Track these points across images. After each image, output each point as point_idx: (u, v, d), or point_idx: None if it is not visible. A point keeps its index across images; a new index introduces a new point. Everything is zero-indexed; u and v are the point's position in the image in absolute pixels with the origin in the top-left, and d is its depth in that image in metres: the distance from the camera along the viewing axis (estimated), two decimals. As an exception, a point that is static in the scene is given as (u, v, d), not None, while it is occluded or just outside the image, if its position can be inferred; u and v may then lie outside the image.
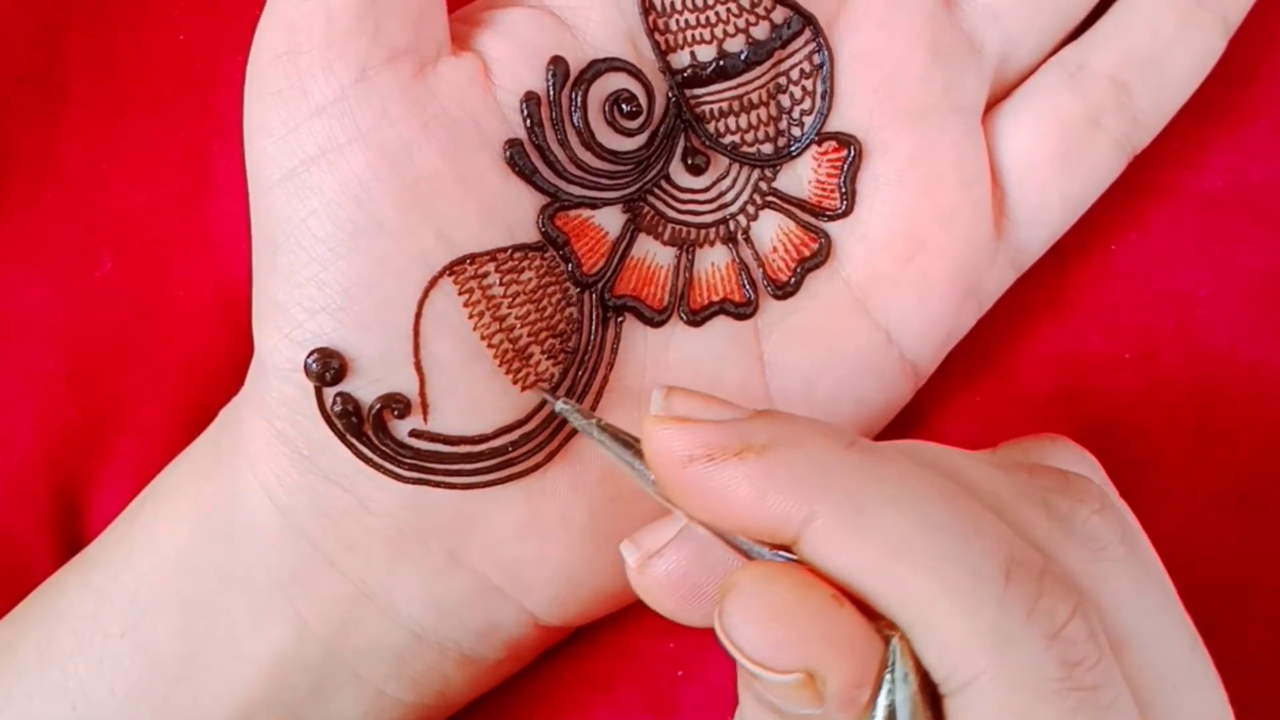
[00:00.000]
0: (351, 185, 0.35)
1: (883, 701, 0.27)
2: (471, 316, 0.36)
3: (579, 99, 0.37)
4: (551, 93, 0.37)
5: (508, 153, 0.36)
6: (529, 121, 0.37)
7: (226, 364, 0.43)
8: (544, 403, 0.37)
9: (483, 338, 0.36)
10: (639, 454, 0.32)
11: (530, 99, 0.36)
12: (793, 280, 0.39)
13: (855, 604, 0.28)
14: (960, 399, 0.44)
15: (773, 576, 0.28)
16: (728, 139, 0.39)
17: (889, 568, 0.27)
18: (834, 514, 0.28)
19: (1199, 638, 0.31)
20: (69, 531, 0.44)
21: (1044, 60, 0.42)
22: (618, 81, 0.38)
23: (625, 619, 0.42)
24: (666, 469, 0.29)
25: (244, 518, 0.38)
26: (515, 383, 0.37)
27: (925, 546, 0.27)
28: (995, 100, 0.42)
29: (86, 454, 0.45)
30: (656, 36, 0.38)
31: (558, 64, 0.37)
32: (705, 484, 0.29)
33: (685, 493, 0.29)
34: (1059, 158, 0.41)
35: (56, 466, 0.45)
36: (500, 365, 0.37)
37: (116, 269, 0.45)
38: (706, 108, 0.39)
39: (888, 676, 0.27)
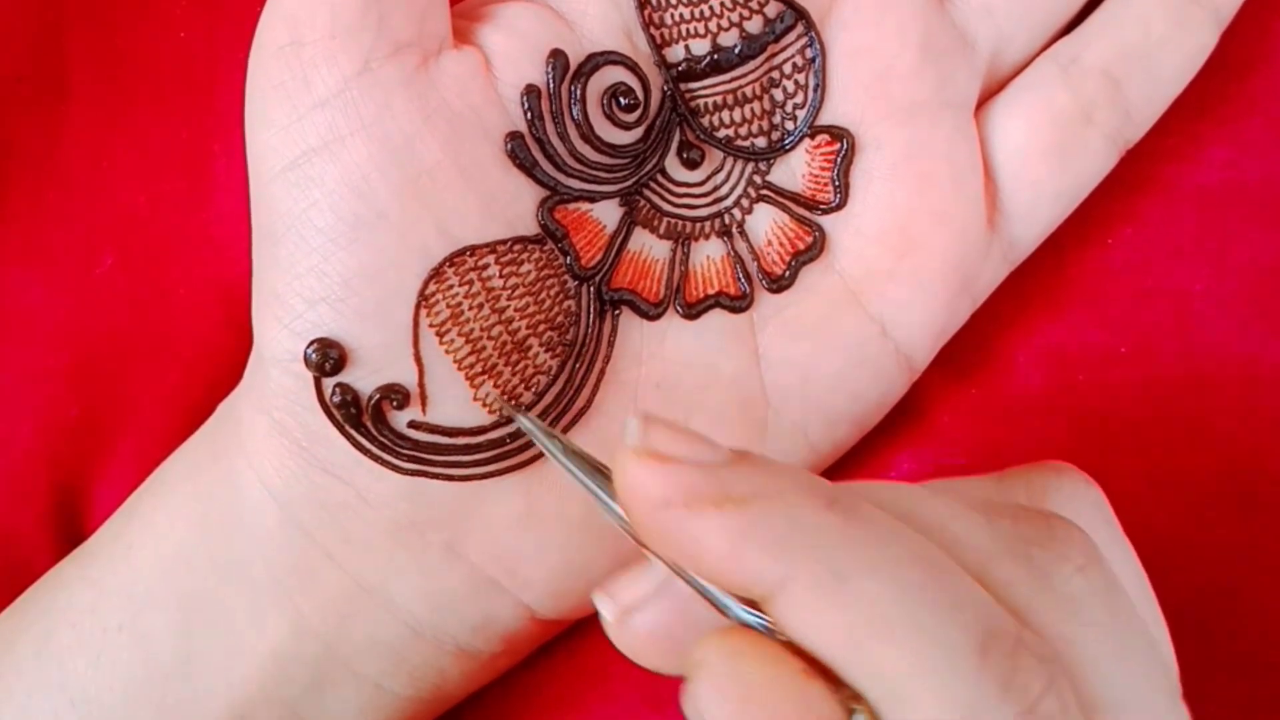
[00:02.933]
0: (353, 177, 0.35)
1: None
2: (471, 309, 0.36)
3: (578, 92, 0.37)
4: (551, 85, 0.37)
5: (509, 145, 0.37)
6: (530, 114, 0.37)
7: (227, 362, 0.43)
8: (542, 395, 0.37)
9: (482, 330, 0.36)
10: (608, 481, 0.30)
11: (531, 92, 0.37)
12: (787, 273, 0.40)
13: (822, 672, 0.27)
14: (957, 393, 0.44)
15: (742, 652, 0.27)
16: (722, 132, 0.39)
17: (863, 640, 0.26)
18: (810, 580, 0.26)
19: (1179, 696, 0.30)
20: (69, 529, 0.44)
21: (1036, 55, 0.42)
22: (615, 75, 0.38)
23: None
24: (639, 510, 0.28)
25: (242, 511, 0.38)
26: (477, 399, 0.37)
27: (902, 620, 0.26)
28: (988, 95, 0.42)
29: (87, 452, 0.45)
30: (651, 30, 0.38)
31: (558, 57, 0.37)
32: (679, 531, 0.27)
33: (657, 537, 0.28)
34: (1051, 152, 0.41)
35: (57, 464, 0.45)
36: (498, 358, 0.37)
37: (117, 267, 0.45)
38: (701, 101, 0.39)
39: None
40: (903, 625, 0.26)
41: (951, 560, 0.28)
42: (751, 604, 0.28)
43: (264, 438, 0.37)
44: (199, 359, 0.45)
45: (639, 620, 0.30)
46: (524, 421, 0.36)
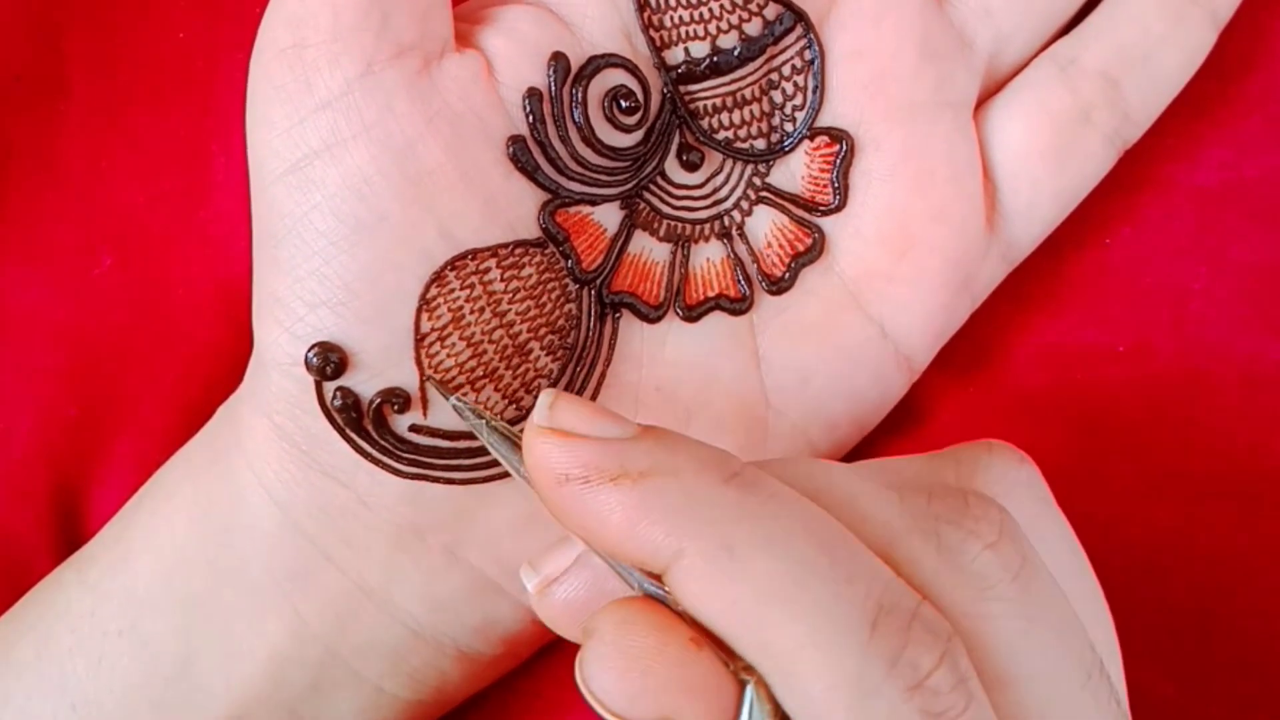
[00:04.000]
0: (355, 179, 0.35)
1: None
2: (472, 312, 0.36)
3: (579, 95, 0.37)
4: (553, 88, 0.37)
5: (510, 149, 0.37)
6: (531, 117, 0.37)
7: (226, 362, 0.43)
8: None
9: (483, 333, 0.36)
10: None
11: (533, 95, 0.37)
12: (787, 275, 0.40)
13: (716, 644, 0.27)
14: (955, 392, 0.44)
15: (630, 620, 0.27)
16: (722, 134, 0.39)
17: (753, 613, 0.27)
18: (701, 553, 0.27)
19: (1098, 670, 0.30)
20: (68, 529, 0.44)
21: (1035, 56, 0.43)
22: (616, 78, 0.38)
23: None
24: (542, 484, 0.29)
25: (242, 514, 0.38)
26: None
27: (791, 593, 0.27)
28: (987, 95, 0.42)
29: (86, 452, 0.45)
30: (651, 33, 0.38)
31: (559, 60, 0.37)
32: (579, 505, 0.28)
33: (559, 511, 0.29)
34: (1050, 153, 0.41)
35: (56, 464, 0.45)
36: (499, 361, 0.37)
37: (116, 267, 0.45)
38: (700, 104, 0.39)
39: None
40: (790, 599, 0.26)
41: (852, 536, 0.28)
42: (657, 577, 0.28)
43: (264, 441, 0.37)
44: (198, 359, 0.45)
45: (558, 591, 0.32)
46: (452, 401, 0.36)
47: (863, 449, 0.43)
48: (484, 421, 0.33)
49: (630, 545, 0.28)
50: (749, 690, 0.27)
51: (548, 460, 0.29)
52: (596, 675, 0.27)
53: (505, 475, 0.37)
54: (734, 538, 0.27)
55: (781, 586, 0.27)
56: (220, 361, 0.44)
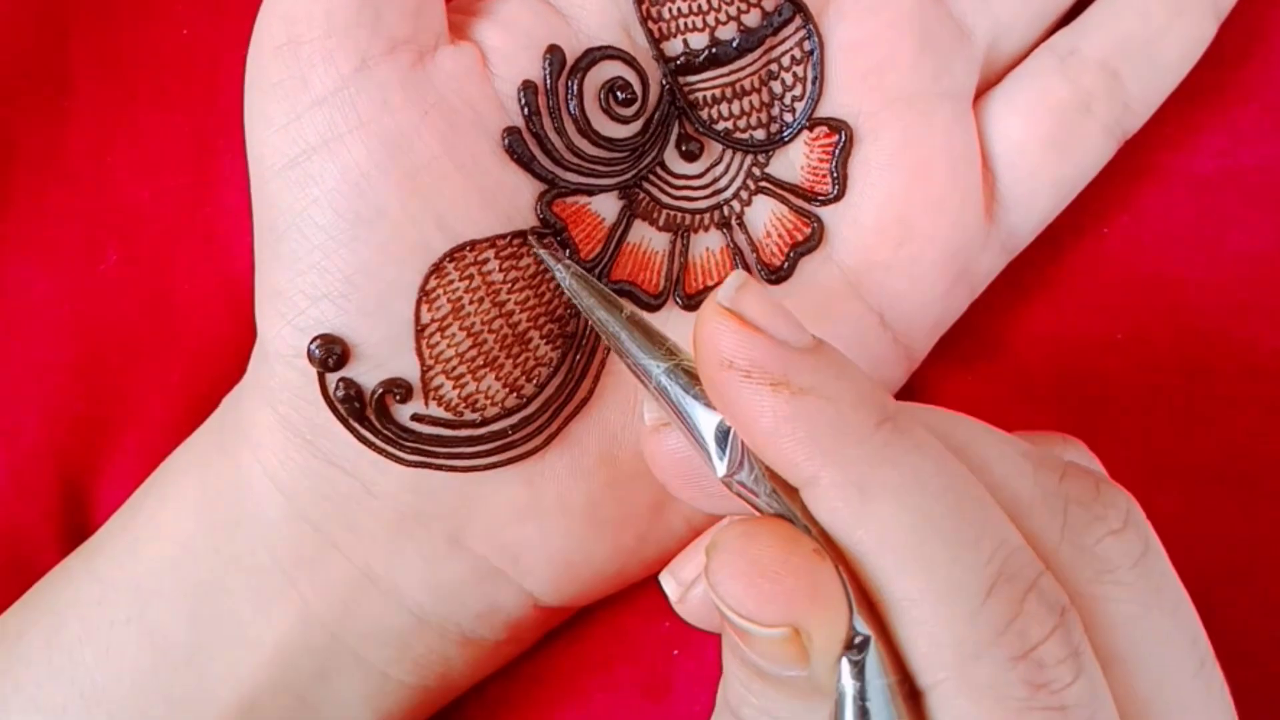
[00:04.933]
0: (352, 174, 0.35)
1: (850, 686, 0.27)
2: (472, 303, 0.37)
3: (575, 87, 0.37)
4: (548, 81, 0.37)
5: (506, 140, 0.37)
6: (526, 110, 0.37)
7: (231, 356, 0.43)
8: (544, 387, 0.37)
9: (483, 323, 0.37)
10: (614, 308, 0.33)
11: (528, 87, 0.37)
12: (786, 265, 0.40)
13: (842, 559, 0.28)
14: (954, 380, 0.44)
15: (755, 533, 0.28)
16: (721, 125, 0.40)
17: (873, 557, 0.27)
18: (835, 485, 0.28)
19: (1210, 662, 0.31)
20: (75, 523, 0.45)
21: (1034, 47, 0.43)
22: (613, 70, 0.38)
23: (621, 601, 0.43)
24: (705, 362, 0.29)
25: (248, 503, 0.38)
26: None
27: (914, 547, 0.27)
28: (986, 86, 0.42)
29: (92, 446, 0.45)
30: (650, 25, 0.38)
31: (554, 53, 0.37)
32: (734, 393, 0.29)
33: (714, 388, 0.29)
34: (1050, 143, 0.42)
35: (63, 459, 0.45)
36: (500, 350, 0.37)
37: (121, 263, 0.46)
38: (700, 95, 0.39)
39: (868, 661, 0.27)
40: (913, 553, 0.27)
41: (988, 497, 0.29)
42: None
43: (269, 431, 0.38)
44: (203, 353, 0.45)
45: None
46: (538, 249, 0.37)
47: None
48: (568, 271, 0.35)
49: (770, 451, 0.28)
50: (872, 643, 0.27)
51: (717, 341, 0.29)
52: (725, 582, 0.28)
53: (506, 463, 0.38)
54: (869, 479, 0.28)
55: (903, 538, 0.27)
56: (225, 356, 0.44)
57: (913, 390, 0.44)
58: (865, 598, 0.28)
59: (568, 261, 0.36)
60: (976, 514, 0.28)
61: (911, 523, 0.27)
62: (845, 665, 0.27)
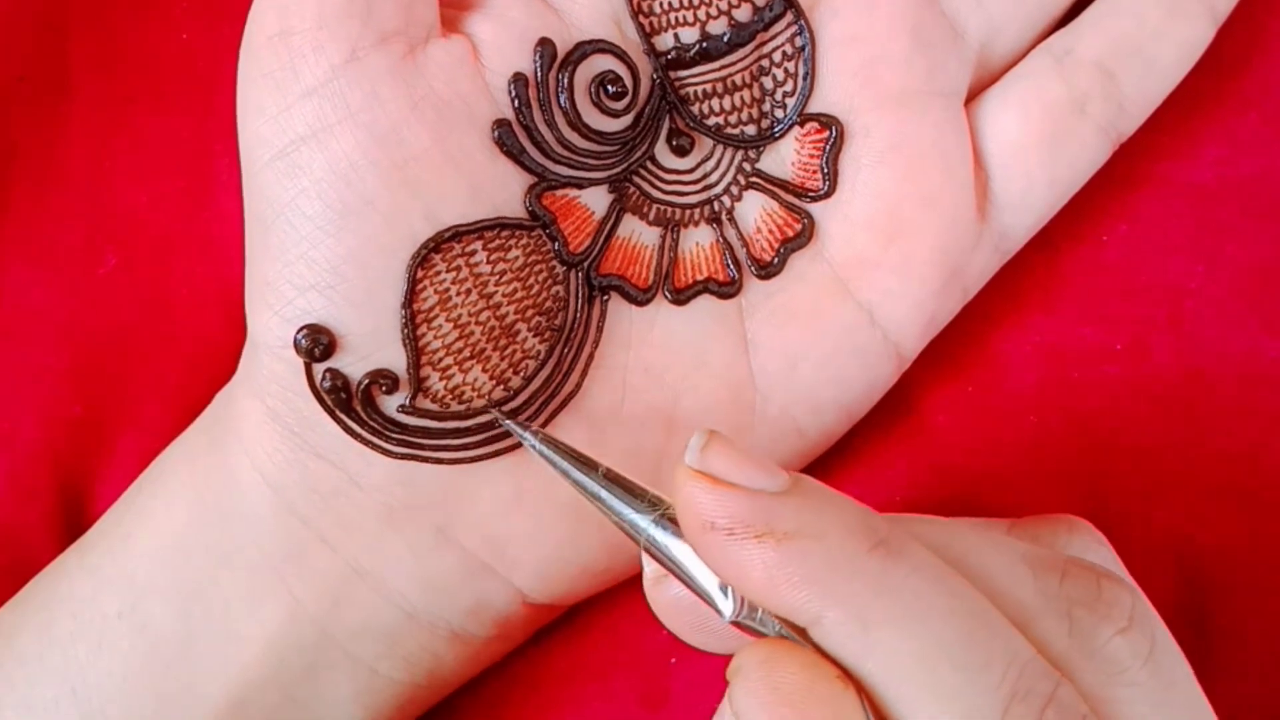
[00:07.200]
0: (341, 165, 0.35)
1: None
2: (459, 295, 0.37)
3: (565, 80, 0.38)
4: (539, 74, 0.37)
5: (496, 133, 0.37)
6: (516, 102, 0.37)
7: (229, 360, 0.43)
8: (530, 379, 0.37)
9: (470, 315, 0.37)
10: (589, 467, 0.32)
11: (518, 80, 0.37)
12: (776, 260, 0.40)
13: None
14: (951, 389, 0.44)
15: (778, 659, 0.28)
16: (712, 120, 0.40)
17: (887, 688, 0.27)
18: (838, 623, 0.28)
19: None
20: (73, 526, 0.45)
21: (1029, 48, 0.43)
22: (604, 63, 0.38)
23: (618, 608, 0.43)
24: (688, 526, 0.29)
25: (237, 497, 0.38)
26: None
27: (924, 675, 0.27)
28: (982, 86, 0.42)
29: (90, 450, 0.45)
30: (641, 19, 0.39)
31: (545, 46, 0.37)
32: (722, 553, 0.29)
33: (700, 550, 0.29)
34: (1044, 143, 0.41)
35: (60, 462, 0.45)
36: (487, 343, 0.37)
37: (119, 267, 0.46)
38: (691, 89, 0.39)
39: None
40: (920, 681, 0.27)
41: (995, 613, 0.28)
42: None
43: (258, 424, 0.38)
44: (200, 357, 0.45)
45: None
46: (504, 421, 0.37)
47: (859, 447, 0.43)
48: (537, 436, 0.35)
49: (769, 601, 0.28)
50: None
51: (695, 505, 0.29)
52: (751, 710, 0.28)
53: (492, 455, 0.37)
54: (870, 611, 0.27)
55: (913, 667, 0.27)
56: (222, 360, 0.44)
57: (911, 402, 0.44)
58: None
59: (535, 429, 0.36)
60: (984, 632, 0.28)
61: (919, 650, 0.27)
62: None
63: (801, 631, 0.29)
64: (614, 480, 0.32)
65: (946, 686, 0.27)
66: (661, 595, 0.33)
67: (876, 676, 0.27)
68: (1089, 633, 0.30)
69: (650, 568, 0.32)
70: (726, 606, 0.30)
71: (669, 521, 0.31)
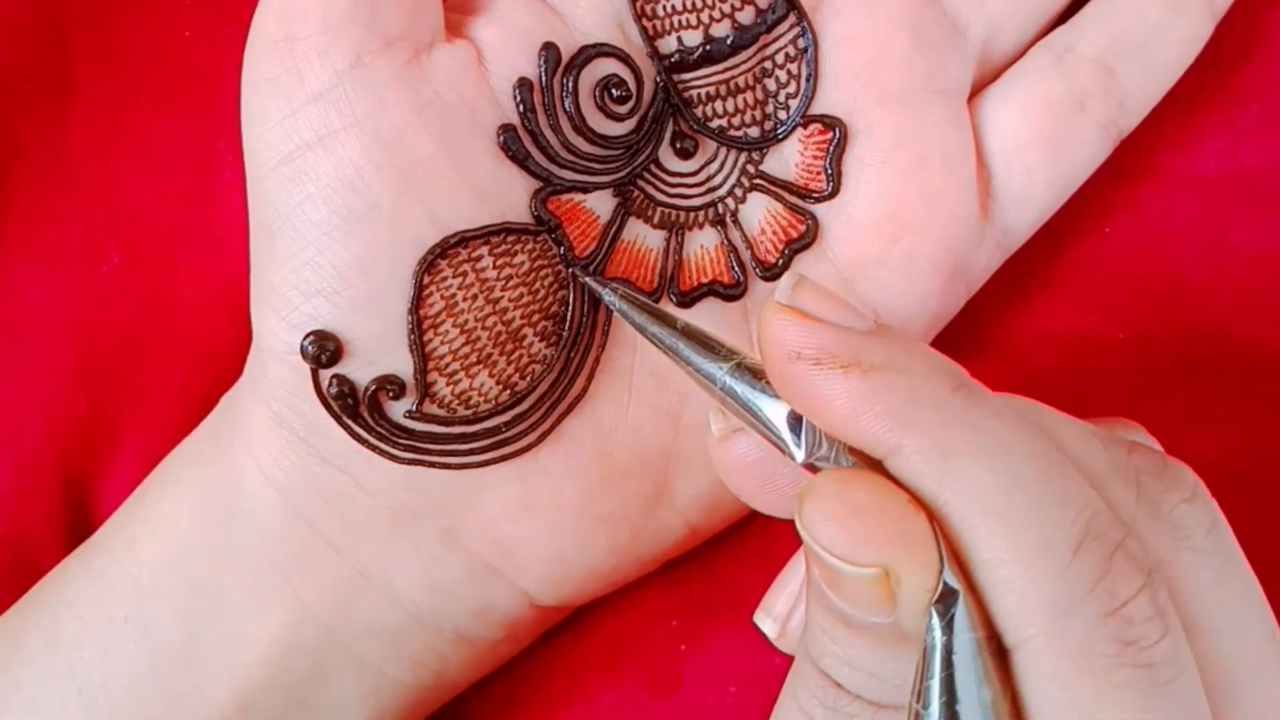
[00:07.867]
0: (346, 170, 0.35)
1: (938, 639, 0.27)
2: (465, 299, 0.37)
3: (570, 84, 0.38)
4: (544, 78, 0.37)
5: (501, 138, 0.37)
6: (521, 107, 0.37)
7: (232, 358, 0.43)
8: (538, 383, 0.37)
9: (476, 320, 0.37)
10: (666, 322, 0.33)
11: (523, 84, 0.37)
12: (781, 261, 0.40)
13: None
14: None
15: (850, 479, 0.28)
16: (715, 123, 0.40)
17: (960, 519, 0.27)
18: (918, 452, 0.28)
19: (1278, 635, 0.31)
20: (78, 524, 0.45)
21: (1030, 45, 0.43)
22: (607, 67, 0.38)
23: (626, 600, 0.43)
24: (773, 359, 0.29)
25: (243, 501, 0.38)
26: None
27: (1001, 507, 0.27)
28: (983, 84, 0.42)
29: (95, 448, 0.45)
30: (644, 22, 0.39)
31: (550, 50, 0.37)
32: (805, 383, 0.29)
33: (784, 385, 0.30)
34: (1045, 140, 0.42)
35: (65, 460, 0.45)
36: (493, 348, 0.37)
37: (123, 265, 0.46)
38: (694, 92, 0.39)
39: (956, 614, 0.27)
40: (1000, 513, 0.27)
41: (1068, 461, 0.29)
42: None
43: (264, 429, 0.38)
44: (204, 355, 0.45)
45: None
46: (585, 278, 0.38)
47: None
48: (617, 295, 0.35)
49: (849, 431, 0.29)
50: (961, 596, 0.27)
51: (783, 336, 0.29)
52: (818, 523, 0.28)
53: (499, 460, 0.38)
54: (951, 443, 0.28)
55: (990, 499, 0.27)
56: (226, 358, 0.44)
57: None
58: (954, 557, 0.28)
59: (615, 285, 0.36)
60: (1060, 476, 0.28)
61: (997, 484, 0.27)
62: (934, 618, 0.27)
63: (877, 466, 0.29)
64: (690, 334, 0.33)
65: (1022, 519, 0.27)
66: (727, 453, 0.33)
67: (951, 506, 0.27)
68: (1156, 499, 0.30)
69: (717, 425, 0.33)
70: (799, 452, 0.30)
71: (746, 371, 0.31)
